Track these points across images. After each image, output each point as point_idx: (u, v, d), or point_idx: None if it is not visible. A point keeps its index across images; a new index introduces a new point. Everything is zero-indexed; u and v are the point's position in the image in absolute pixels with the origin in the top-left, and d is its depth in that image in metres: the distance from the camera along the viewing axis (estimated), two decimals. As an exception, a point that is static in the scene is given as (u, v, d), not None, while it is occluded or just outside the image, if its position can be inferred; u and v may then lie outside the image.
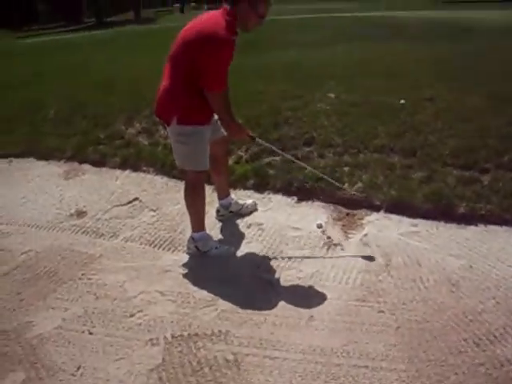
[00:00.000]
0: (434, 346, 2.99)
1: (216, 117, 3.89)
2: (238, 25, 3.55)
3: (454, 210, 4.18)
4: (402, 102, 5.81)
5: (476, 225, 4.06)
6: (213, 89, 3.56)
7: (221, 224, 4.50)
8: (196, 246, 4.04)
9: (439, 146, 4.90)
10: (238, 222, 4.49)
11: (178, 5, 48.60)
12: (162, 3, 55.25)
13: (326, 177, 4.36)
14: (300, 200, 4.62)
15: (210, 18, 3.57)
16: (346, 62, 8.39)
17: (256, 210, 4.61)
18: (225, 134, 4.14)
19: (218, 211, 4.54)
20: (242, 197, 4.77)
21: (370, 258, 3.80)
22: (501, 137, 4.89)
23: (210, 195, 4.61)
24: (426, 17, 16.75)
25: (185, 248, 4.14)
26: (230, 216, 4.54)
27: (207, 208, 4.16)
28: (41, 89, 8.69)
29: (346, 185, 4.47)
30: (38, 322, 3.45)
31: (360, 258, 3.84)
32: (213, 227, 4.40)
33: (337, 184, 4.35)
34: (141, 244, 4.31)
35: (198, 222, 4.05)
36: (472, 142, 4.86)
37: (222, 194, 4.52)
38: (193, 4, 52.09)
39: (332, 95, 6.31)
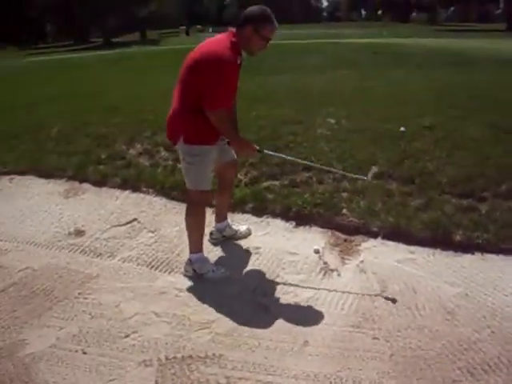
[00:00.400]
0: (427, 374, 2.98)
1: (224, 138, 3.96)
2: (243, 47, 3.63)
3: (451, 237, 4.19)
4: (402, 129, 5.85)
5: (473, 253, 4.07)
6: (213, 107, 3.60)
7: (218, 246, 4.50)
8: (193, 269, 4.04)
9: (437, 173, 4.93)
10: (236, 245, 4.49)
11: (183, 27, 49.14)
12: (167, 25, 55.84)
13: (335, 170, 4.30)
14: (298, 225, 4.63)
15: (216, 40, 3.67)
16: (347, 88, 8.48)
17: (250, 234, 4.61)
18: (235, 156, 4.21)
19: (211, 234, 4.55)
20: (241, 220, 4.79)
21: (393, 300, 3.68)
22: (499, 166, 4.92)
23: (210, 216, 4.63)
24: (428, 45, 16.90)
25: (182, 270, 4.14)
26: (225, 240, 4.55)
27: (205, 230, 4.17)
28: (45, 108, 8.78)
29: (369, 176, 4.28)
30: (32, 341, 3.44)
31: (356, 284, 3.84)
32: (210, 249, 4.41)
33: (362, 178, 4.31)
34: (138, 265, 4.32)
35: (196, 243, 4.06)
36: (470, 170, 4.89)
37: (220, 217, 4.54)
38: (198, 26, 52.65)
39: (332, 121, 6.36)
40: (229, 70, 3.57)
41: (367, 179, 4.23)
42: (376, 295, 3.69)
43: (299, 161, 4.52)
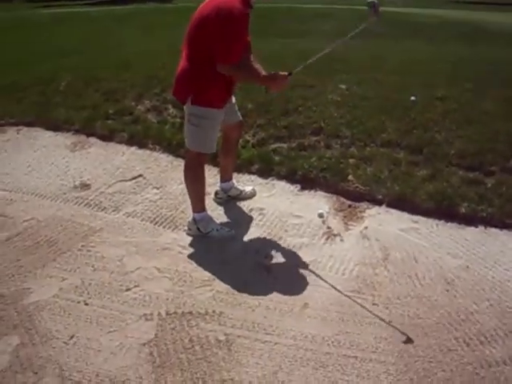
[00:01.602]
0: (424, 342, 3.01)
1: (233, 100, 3.91)
2: None
3: (456, 209, 4.18)
4: (413, 98, 5.79)
5: (476, 226, 4.06)
6: (226, 61, 3.54)
7: (222, 207, 4.51)
8: (197, 228, 4.06)
9: (446, 145, 4.90)
10: (240, 205, 4.51)
11: (196, -14, 48.41)
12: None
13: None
14: (303, 188, 4.63)
15: None
16: (360, 56, 8.37)
17: (254, 195, 4.63)
18: (240, 118, 4.20)
19: (216, 193, 4.56)
20: (246, 181, 4.79)
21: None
22: (509, 142, 4.88)
23: (215, 176, 4.64)
24: (444, 16, 16.66)
25: (185, 227, 4.16)
26: (230, 200, 4.56)
27: (210, 189, 4.18)
28: (55, 61, 8.71)
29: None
30: (36, 290, 3.50)
31: (358, 251, 3.86)
32: (214, 208, 4.43)
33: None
34: (142, 220, 4.34)
35: (197, 203, 4.07)
36: (479, 144, 4.84)
37: (225, 178, 4.53)
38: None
39: (343, 87, 6.31)
40: (240, 23, 3.51)
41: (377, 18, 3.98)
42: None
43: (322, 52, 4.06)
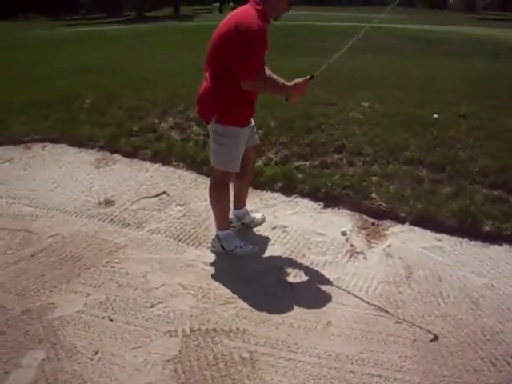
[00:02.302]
0: (449, 361, 2.98)
1: (252, 122, 3.94)
2: (268, 12, 3.61)
3: (480, 227, 4.15)
4: (436, 116, 5.79)
5: (501, 244, 4.03)
6: (248, 77, 3.57)
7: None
8: (221, 245, 4.07)
9: (469, 163, 4.88)
10: (264, 223, 4.52)
11: (216, 4, 48.96)
12: (201, 2, 55.67)
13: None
14: (326, 206, 4.63)
15: (241, 11, 3.64)
16: (381, 73, 8.40)
17: (264, 221, 4.56)
18: (258, 142, 4.24)
19: (230, 222, 4.36)
20: (270, 199, 4.82)
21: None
22: (533, 159, 4.84)
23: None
24: (465, 33, 16.63)
25: (209, 244, 4.18)
26: (243, 227, 4.50)
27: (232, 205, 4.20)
28: (78, 78, 8.84)
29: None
30: (60, 305, 3.52)
31: (381, 268, 3.84)
32: (238, 228, 4.43)
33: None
34: (166, 237, 4.37)
35: (221, 221, 4.08)
36: (503, 161, 4.82)
37: (239, 204, 4.46)
38: (231, 4, 52.43)
39: (365, 104, 6.32)
40: (259, 39, 3.54)
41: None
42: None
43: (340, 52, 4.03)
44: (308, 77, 3.75)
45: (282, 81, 3.79)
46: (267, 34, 3.60)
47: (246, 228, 4.50)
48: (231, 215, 4.42)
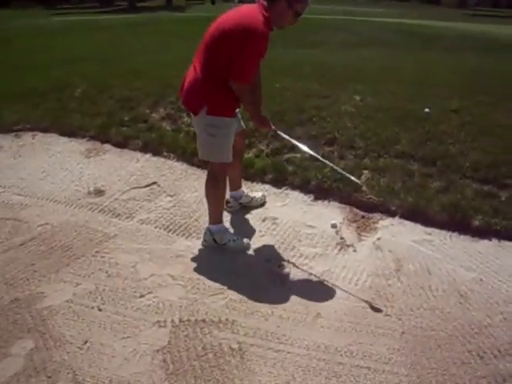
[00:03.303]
0: (437, 354, 3.00)
1: (237, 109, 3.95)
2: (273, 21, 3.56)
3: (469, 222, 4.17)
4: (427, 110, 5.80)
5: (490, 239, 4.05)
6: (241, 80, 3.58)
7: (236, 216, 4.52)
8: (214, 239, 4.06)
9: (460, 157, 4.89)
10: (253, 214, 4.52)
11: (209, -4, 48.84)
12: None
13: (345, 173, 4.25)
14: (316, 198, 4.64)
15: (249, 12, 3.57)
16: (375, 67, 8.41)
17: (265, 202, 4.66)
18: (244, 126, 4.22)
19: (227, 202, 4.52)
20: (260, 190, 4.81)
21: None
22: (525, 155, 4.86)
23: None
24: (458, 29, 16.67)
25: (199, 235, 4.17)
26: (242, 208, 4.59)
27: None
28: (70, 68, 8.80)
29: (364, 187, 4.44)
30: (49, 294, 3.52)
31: (371, 261, 3.85)
32: (227, 219, 4.43)
33: (355, 180, 4.25)
34: (156, 227, 4.36)
35: (216, 214, 4.07)
36: (494, 156, 4.83)
37: (234, 186, 4.55)
38: (224, -4, 52.31)
39: (357, 98, 6.33)
40: (260, 45, 3.51)
41: (359, 183, 4.30)
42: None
43: (305, 149, 4.35)
44: (274, 128, 4.09)
45: (258, 105, 3.95)
46: (267, 42, 3.57)
47: (244, 210, 4.57)
48: (228, 196, 4.46)
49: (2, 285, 3.62)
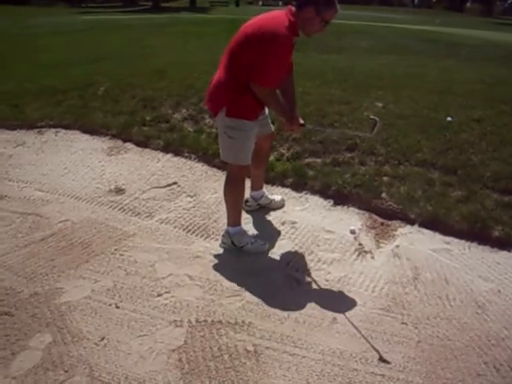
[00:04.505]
0: (453, 364, 2.99)
1: (267, 111, 3.96)
2: (301, 27, 3.57)
3: (489, 232, 4.15)
4: (449, 119, 5.78)
5: (509, 250, 4.02)
6: (261, 83, 3.59)
7: (255, 218, 4.54)
8: (232, 241, 4.07)
9: (481, 167, 4.87)
10: (272, 218, 4.53)
11: (233, -3, 48.99)
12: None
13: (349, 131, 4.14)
14: (336, 204, 4.64)
15: (275, 17, 3.58)
16: (397, 73, 8.38)
17: (283, 205, 4.68)
18: (273, 129, 4.23)
19: (246, 201, 4.56)
20: (279, 194, 4.82)
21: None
22: (547, 166, 4.82)
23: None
24: (482, 37, 16.54)
25: (218, 236, 4.20)
26: (260, 211, 4.61)
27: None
28: (93, 66, 8.88)
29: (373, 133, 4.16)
30: (68, 290, 3.55)
31: (389, 269, 3.85)
32: (247, 221, 4.45)
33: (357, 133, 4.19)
34: (175, 227, 4.39)
35: (234, 216, 4.08)
36: (515, 167, 4.81)
37: (255, 187, 4.58)
38: (248, -2, 52.45)
39: (379, 104, 6.32)
40: (283, 51, 3.52)
41: (371, 135, 4.16)
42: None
43: (343, 131, 4.35)
44: (303, 123, 4.01)
45: (293, 107, 3.96)
46: (293, 47, 3.59)
47: (264, 213, 4.59)
48: (247, 195, 4.49)
49: (22, 279, 3.66)
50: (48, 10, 34.37)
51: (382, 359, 3.02)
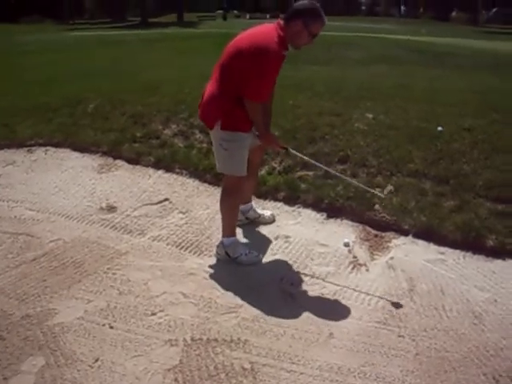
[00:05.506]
0: (452, 376, 2.96)
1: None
2: (290, 41, 3.61)
3: (483, 242, 4.13)
4: (440, 129, 5.78)
5: (504, 259, 4.01)
6: (253, 98, 3.64)
7: (248, 233, 4.51)
8: (226, 252, 4.05)
9: (473, 176, 4.86)
10: (266, 232, 4.51)
11: (221, 11, 49.17)
12: (205, 9, 55.87)
13: (359, 184, 4.28)
14: (329, 217, 4.62)
15: (264, 31, 3.64)
16: (386, 84, 8.40)
17: (274, 221, 4.65)
18: None
19: None
20: (272, 208, 4.81)
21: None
22: (539, 173, 4.82)
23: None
24: (469, 46, 16.66)
25: (211, 253, 4.17)
26: (253, 226, 4.58)
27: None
28: (83, 83, 8.85)
29: (378, 190, 4.39)
30: (61, 311, 3.50)
31: (384, 281, 3.82)
32: (240, 236, 4.41)
33: (368, 189, 4.31)
34: (167, 244, 4.35)
35: (229, 227, 4.08)
36: (507, 175, 4.80)
37: (244, 200, 4.52)
38: (235, 12, 52.65)
39: (370, 116, 6.31)
40: (273, 64, 3.57)
41: (383, 196, 4.32)
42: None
43: (321, 165, 4.50)
44: (284, 147, 4.22)
45: (267, 123, 4.04)
46: (282, 61, 3.62)
47: (257, 227, 4.57)
48: None
49: (14, 300, 3.61)
50: (36, 27, 34.30)
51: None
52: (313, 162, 4.48)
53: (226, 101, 3.71)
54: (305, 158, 4.43)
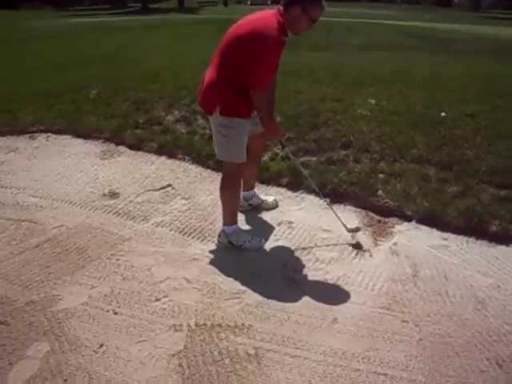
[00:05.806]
0: (455, 361, 2.96)
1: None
2: (289, 27, 3.58)
3: (486, 227, 4.14)
4: (443, 114, 5.76)
5: (507, 245, 4.01)
6: (256, 87, 3.62)
7: (251, 219, 4.51)
8: (229, 241, 4.05)
9: (476, 162, 4.85)
10: (269, 218, 4.51)
11: (221, -3, 48.95)
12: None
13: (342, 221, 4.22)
14: (332, 202, 4.60)
15: (264, 17, 3.61)
16: (388, 70, 8.37)
17: (277, 206, 4.65)
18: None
19: None
20: (275, 194, 4.80)
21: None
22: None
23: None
24: (471, 31, 16.58)
25: (214, 238, 4.16)
26: (256, 211, 4.58)
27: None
28: (84, 70, 8.84)
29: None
30: (65, 297, 3.51)
31: (387, 266, 3.82)
32: (243, 222, 4.42)
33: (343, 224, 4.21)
34: (171, 230, 4.35)
35: (230, 215, 4.07)
36: (510, 161, 4.80)
37: (247, 187, 4.54)
38: (236, -2, 52.45)
39: (372, 101, 6.29)
40: (273, 51, 3.54)
41: (347, 231, 4.18)
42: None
43: (309, 179, 4.51)
44: (283, 142, 4.43)
45: (271, 112, 4.05)
46: (282, 47, 3.59)
47: (260, 213, 4.56)
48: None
49: (18, 287, 3.62)
50: (36, 13, 34.18)
51: None
52: (302, 169, 4.50)
53: (225, 87, 3.69)
54: (297, 162, 4.49)
